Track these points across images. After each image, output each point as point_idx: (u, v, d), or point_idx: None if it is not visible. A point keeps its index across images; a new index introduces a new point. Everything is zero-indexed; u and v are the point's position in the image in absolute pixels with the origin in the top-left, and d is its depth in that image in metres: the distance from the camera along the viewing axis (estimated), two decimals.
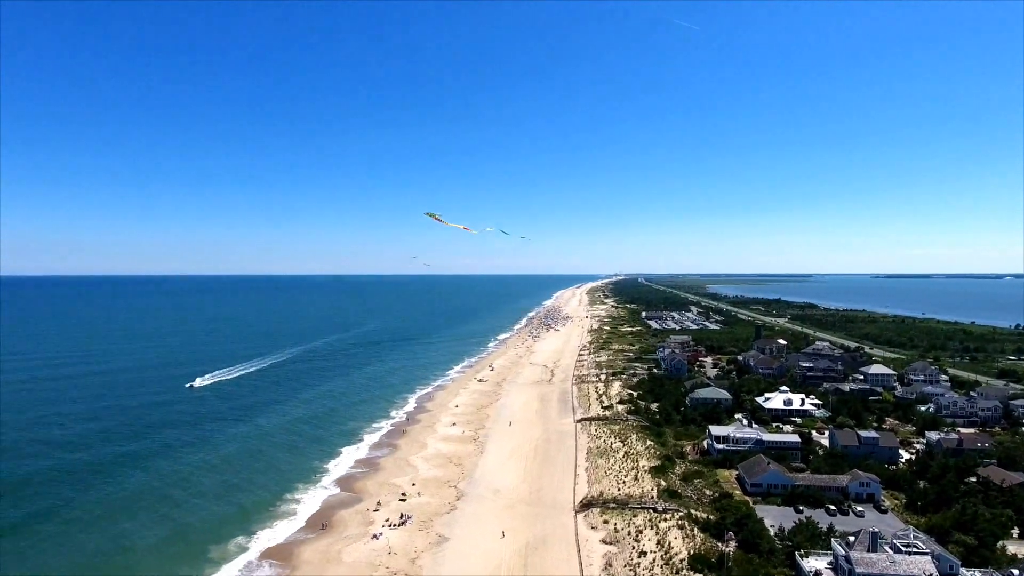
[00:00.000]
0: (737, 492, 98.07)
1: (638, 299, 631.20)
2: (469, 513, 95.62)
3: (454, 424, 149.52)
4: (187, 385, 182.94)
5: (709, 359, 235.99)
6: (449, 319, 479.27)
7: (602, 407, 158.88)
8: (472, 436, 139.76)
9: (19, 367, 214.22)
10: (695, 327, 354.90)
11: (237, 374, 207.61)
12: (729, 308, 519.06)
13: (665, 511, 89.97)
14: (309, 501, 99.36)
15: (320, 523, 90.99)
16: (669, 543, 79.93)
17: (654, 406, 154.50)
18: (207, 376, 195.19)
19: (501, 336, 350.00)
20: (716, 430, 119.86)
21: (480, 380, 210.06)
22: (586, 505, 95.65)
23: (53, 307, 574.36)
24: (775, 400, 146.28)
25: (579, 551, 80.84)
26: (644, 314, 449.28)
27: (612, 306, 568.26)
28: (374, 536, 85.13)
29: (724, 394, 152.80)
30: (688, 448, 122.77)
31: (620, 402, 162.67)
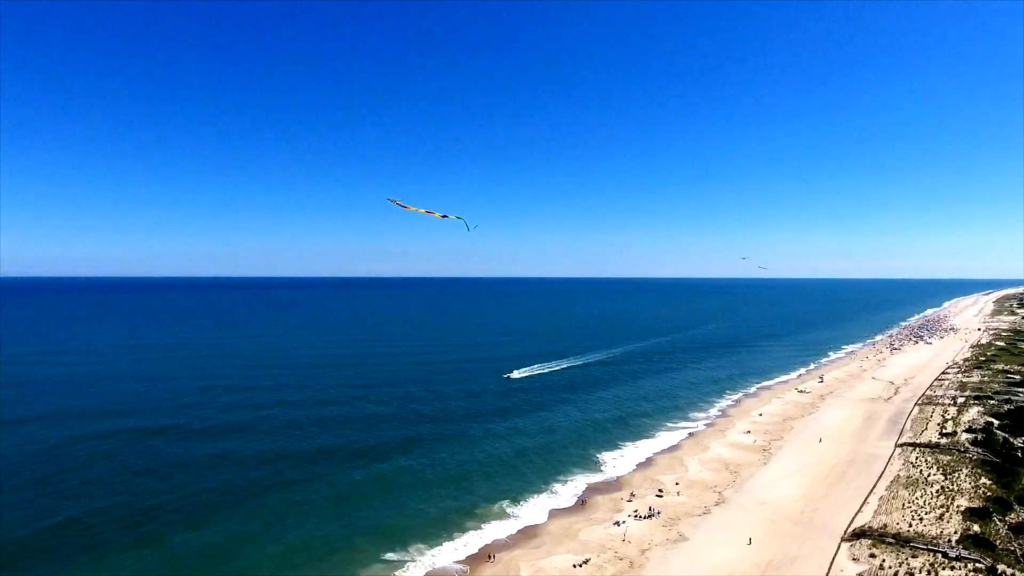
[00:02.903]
0: None
1: None
2: (721, 519, 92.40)
3: (748, 432, 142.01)
4: (505, 376, 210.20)
5: None
6: (790, 325, 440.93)
7: (940, 433, 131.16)
8: (763, 446, 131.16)
9: (376, 352, 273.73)
10: None
11: (554, 368, 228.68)
12: None
13: (959, 559, 72.85)
14: (577, 483, 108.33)
15: (580, 502, 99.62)
16: None
17: (1019, 441, 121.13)
18: (524, 369, 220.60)
19: (849, 346, 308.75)
20: None
21: (801, 391, 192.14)
22: (858, 534, 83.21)
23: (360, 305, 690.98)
24: None
25: None
26: None
27: None
28: (616, 523, 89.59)
29: None
30: None
31: (968, 431, 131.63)
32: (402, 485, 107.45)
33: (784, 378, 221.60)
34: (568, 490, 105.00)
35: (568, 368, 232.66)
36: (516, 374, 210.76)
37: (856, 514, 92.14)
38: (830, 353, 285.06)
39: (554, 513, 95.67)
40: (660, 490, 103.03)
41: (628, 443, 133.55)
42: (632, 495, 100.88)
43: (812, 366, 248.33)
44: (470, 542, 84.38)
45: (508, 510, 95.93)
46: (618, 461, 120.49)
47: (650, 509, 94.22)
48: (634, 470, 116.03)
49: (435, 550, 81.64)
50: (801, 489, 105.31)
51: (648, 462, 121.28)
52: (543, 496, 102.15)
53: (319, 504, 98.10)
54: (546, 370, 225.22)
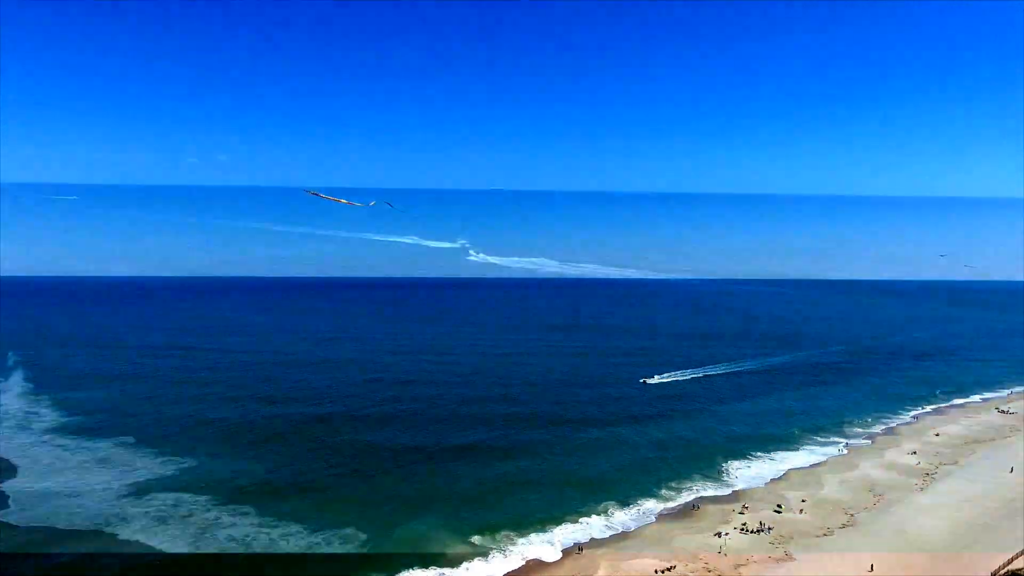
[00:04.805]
0: None
1: None
2: (843, 542, 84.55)
3: (913, 453, 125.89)
4: (641, 380, 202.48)
5: None
6: (1013, 336, 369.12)
7: None
8: (927, 470, 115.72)
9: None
10: None
11: (697, 375, 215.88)
12: None
13: None
14: (692, 490, 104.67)
15: (688, 508, 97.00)
16: None
17: None
18: (664, 375, 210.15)
19: None
20: None
21: (1003, 411, 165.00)
22: None
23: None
24: None
25: None
26: None
27: None
28: (716, 533, 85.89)
29: None
30: None
31: None
32: (525, 482, 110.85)
33: (987, 395, 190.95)
34: (681, 497, 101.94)
35: (715, 376, 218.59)
36: (655, 379, 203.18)
37: (1018, 555, 78.74)
38: None
39: (660, 517, 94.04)
40: (779, 505, 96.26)
41: (762, 455, 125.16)
42: (745, 507, 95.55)
43: None
44: (559, 538, 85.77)
45: (613, 510, 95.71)
46: (743, 472, 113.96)
47: (760, 524, 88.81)
48: (759, 483, 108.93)
49: (526, 539, 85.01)
50: (957, 522, 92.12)
51: (780, 477, 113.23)
52: (652, 501, 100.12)
53: (446, 496, 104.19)
54: (687, 377, 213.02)
